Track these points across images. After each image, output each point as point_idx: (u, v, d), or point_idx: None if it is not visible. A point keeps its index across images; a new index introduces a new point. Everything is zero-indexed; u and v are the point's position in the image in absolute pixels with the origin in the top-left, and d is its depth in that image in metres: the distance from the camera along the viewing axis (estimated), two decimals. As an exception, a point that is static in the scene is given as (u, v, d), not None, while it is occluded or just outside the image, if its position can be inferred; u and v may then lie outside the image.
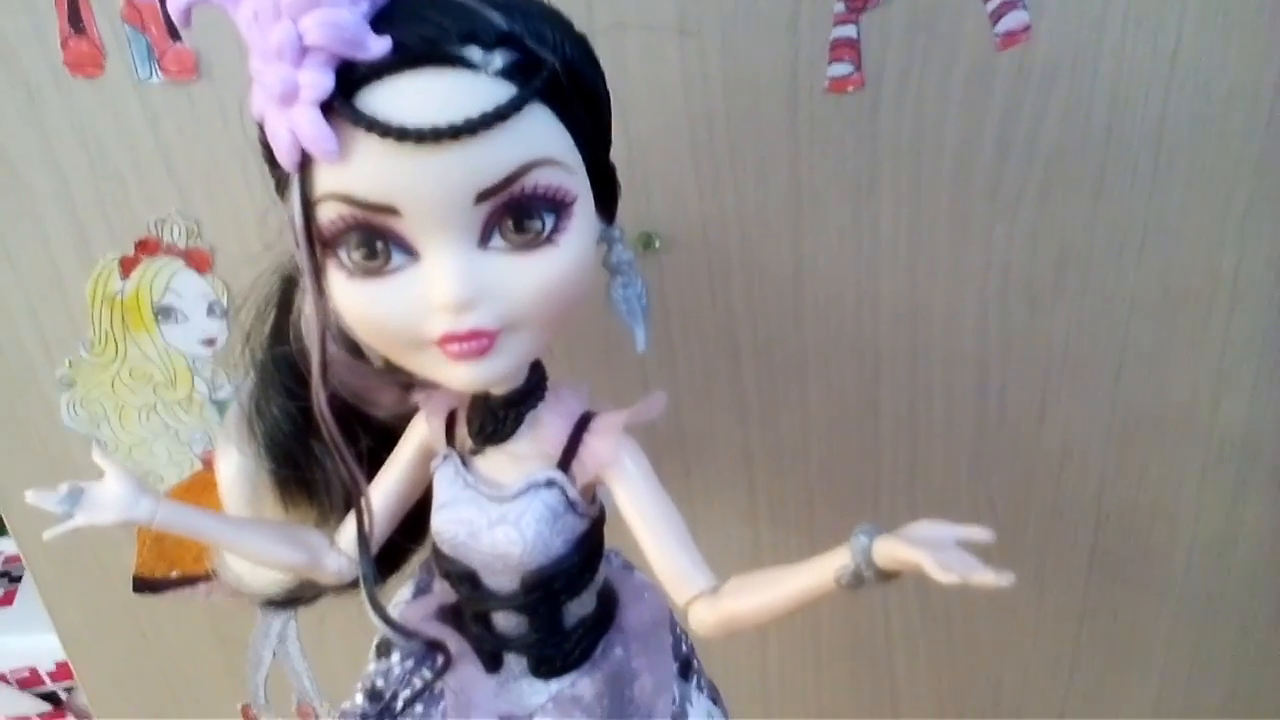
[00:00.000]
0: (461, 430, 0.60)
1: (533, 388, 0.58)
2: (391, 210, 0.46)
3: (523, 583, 0.59)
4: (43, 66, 0.75)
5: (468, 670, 0.64)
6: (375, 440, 0.62)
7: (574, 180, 0.49)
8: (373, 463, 0.64)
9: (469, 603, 0.62)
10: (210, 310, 0.85)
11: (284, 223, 0.49)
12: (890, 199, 0.81)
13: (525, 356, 0.54)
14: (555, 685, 0.63)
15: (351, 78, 0.44)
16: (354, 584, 0.64)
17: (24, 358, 0.87)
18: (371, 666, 0.69)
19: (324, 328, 0.51)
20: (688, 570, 0.57)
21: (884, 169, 0.79)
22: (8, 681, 1.27)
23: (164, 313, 0.85)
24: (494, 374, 0.52)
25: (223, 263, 0.83)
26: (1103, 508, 0.96)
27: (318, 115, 0.44)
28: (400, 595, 0.71)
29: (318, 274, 0.49)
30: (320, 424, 0.53)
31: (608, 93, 0.52)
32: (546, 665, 0.63)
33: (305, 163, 0.46)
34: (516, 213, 0.47)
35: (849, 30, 0.74)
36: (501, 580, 0.60)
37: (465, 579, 0.61)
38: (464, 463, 0.60)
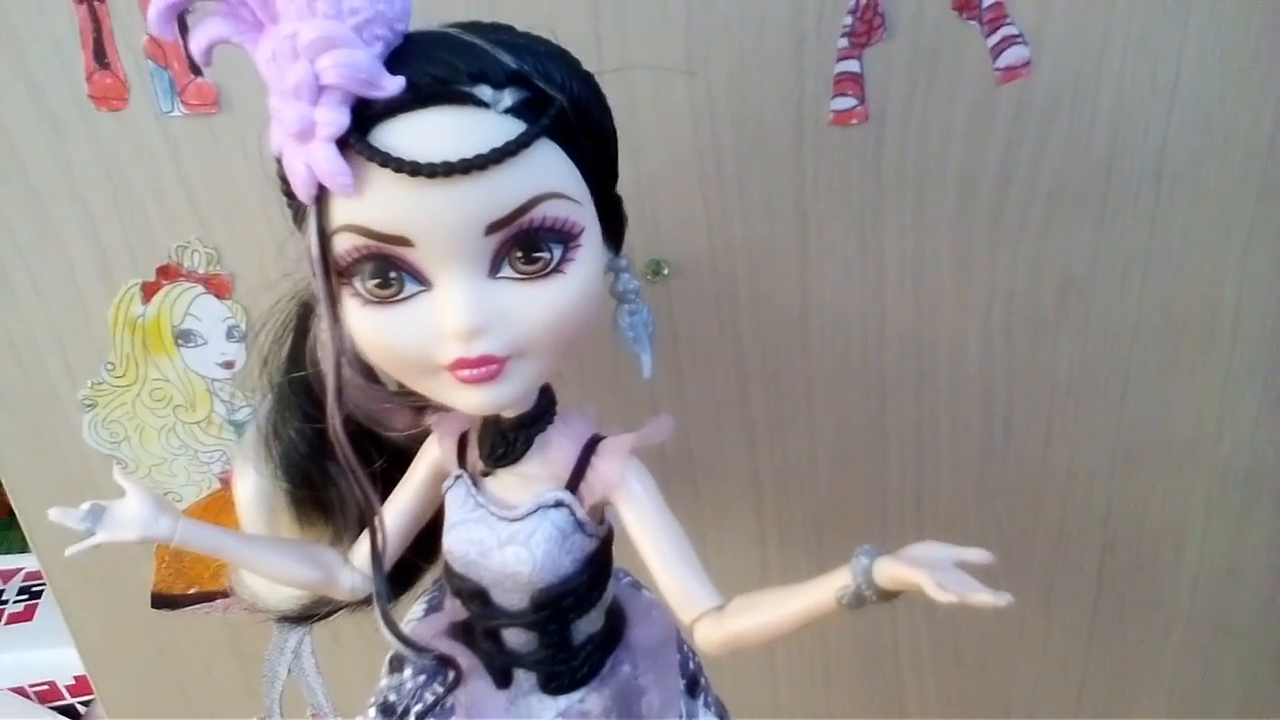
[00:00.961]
0: (473, 452, 0.61)
1: (542, 411, 0.59)
2: (404, 241, 0.48)
3: (532, 601, 0.60)
4: (69, 100, 0.77)
5: (478, 686, 0.65)
6: (389, 461, 0.64)
7: (581, 212, 0.50)
8: (386, 483, 0.65)
9: (480, 620, 0.63)
10: (229, 334, 0.87)
11: (301, 252, 0.50)
12: (895, 229, 0.82)
13: (534, 382, 0.55)
14: (564, 701, 0.64)
15: (366, 114, 0.45)
16: (368, 600, 0.65)
17: (47, 379, 0.88)
18: (384, 681, 0.69)
19: (339, 354, 0.52)
20: (693, 589, 0.58)
21: (888, 200, 0.81)
22: (28, 695, 1.29)
23: (184, 336, 0.87)
24: (503, 399, 0.53)
25: (242, 288, 0.85)
26: (1109, 531, 0.97)
27: (334, 151, 0.45)
28: (413, 612, 0.72)
29: (333, 302, 0.51)
30: (335, 446, 0.54)
31: (614, 128, 0.53)
32: (555, 681, 0.63)
33: (321, 195, 0.47)
34: (525, 244, 0.49)
35: (852, 65, 0.75)
36: (511, 598, 0.61)
37: (476, 596, 0.62)
38: (475, 483, 0.61)
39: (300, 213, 0.50)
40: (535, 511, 0.59)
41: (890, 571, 0.48)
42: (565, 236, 0.50)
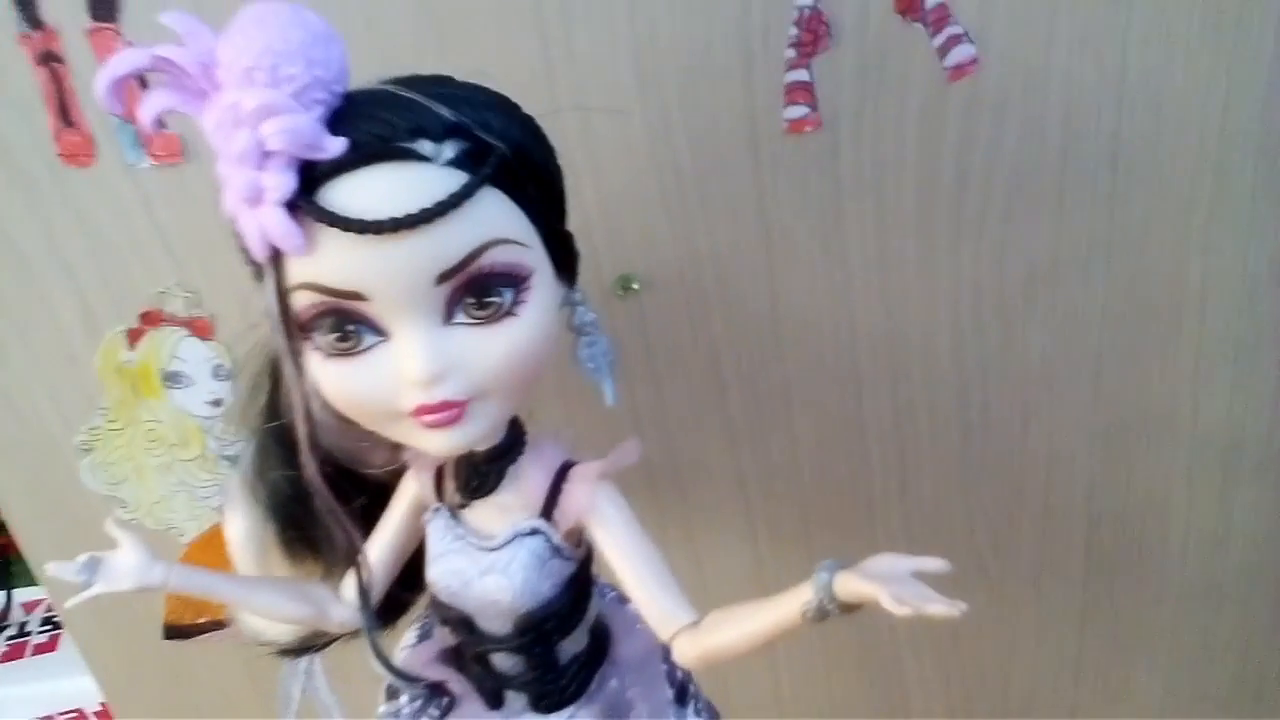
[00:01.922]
0: (450, 484, 0.63)
1: (512, 443, 0.61)
2: (359, 296, 0.49)
3: (516, 625, 0.62)
4: (38, 160, 0.79)
5: (472, 708, 0.67)
6: (370, 498, 0.66)
7: (529, 255, 0.51)
8: (369, 519, 0.67)
9: (467, 645, 0.65)
10: (215, 373, 0.89)
11: (265, 308, 0.52)
12: (857, 230, 0.83)
13: (498, 420, 0.57)
14: (555, 719, 0.66)
15: (313, 174, 0.47)
16: (360, 632, 0.67)
17: (44, 428, 0.90)
18: (383, 708, 0.72)
19: (306, 405, 0.53)
20: (668, 608, 0.60)
21: (848, 203, 0.82)
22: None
23: (172, 378, 0.88)
24: (467, 440, 0.55)
25: (224, 328, 0.87)
26: (1094, 510, 0.98)
27: (283, 214, 0.47)
28: (406, 640, 0.74)
29: (296, 356, 0.52)
30: (314, 493, 0.56)
31: (558, 167, 0.54)
32: (545, 701, 0.66)
33: (277, 255, 0.49)
34: (477, 290, 0.50)
35: (801, 74, 0.76)
36: (495, 624, 0.63)
37: (462, 624, 0.64)
38: (454, 515, 0.63)
39: (259, 271, 0.51)
40: (513, 540, 0.61)
41: (849, 586, 0.50)
42: (515, 280, 0.51)
